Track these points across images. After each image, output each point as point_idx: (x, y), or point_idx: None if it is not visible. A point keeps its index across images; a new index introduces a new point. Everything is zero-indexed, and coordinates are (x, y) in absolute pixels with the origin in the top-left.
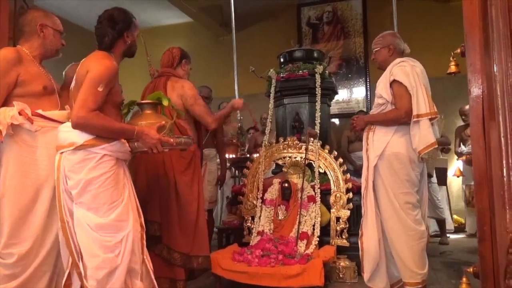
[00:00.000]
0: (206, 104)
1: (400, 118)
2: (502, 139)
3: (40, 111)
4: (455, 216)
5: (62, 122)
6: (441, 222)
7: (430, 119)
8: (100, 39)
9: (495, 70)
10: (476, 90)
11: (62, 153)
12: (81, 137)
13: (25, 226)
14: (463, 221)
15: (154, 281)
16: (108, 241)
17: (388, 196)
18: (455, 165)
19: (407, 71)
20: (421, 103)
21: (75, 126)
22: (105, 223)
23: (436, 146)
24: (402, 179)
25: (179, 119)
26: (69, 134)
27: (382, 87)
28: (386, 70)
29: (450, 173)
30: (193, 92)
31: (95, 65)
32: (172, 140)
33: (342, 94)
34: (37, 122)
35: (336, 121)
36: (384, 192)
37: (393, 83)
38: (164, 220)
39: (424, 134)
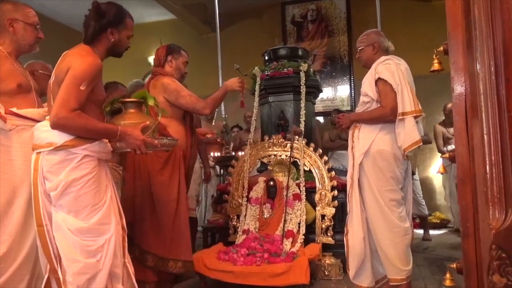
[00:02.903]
0: (192, 93)
1: (386, 116)
2: (485, 136)
3: (14, 109)
4: (437, 213)
5: (38, 121)
6: (423, 219)
7: (415, 117)
8: (84, 30)
9: (477, 68)
10: (459, 88)
11: (39, 153)
12: (60, 137)
13: (2, 229)
14: (445, 217)
15: (135, 285)
16: (90, 246)
17: (373, 193)
18: (437, 162)
19: (392, 69)
20: (406, 101)
21: (55, 126)
22: (86, 227)
23: (421, 143)
24: (387, 177)
25: (163, 118)
26: (47, 133)
27: (368, 85)
28: (371, 68)
29: (434, 170)
30: (174, 86)
31: (78, 62)
32: (156, 141)
33: (326, 92)
34: (11, 120)
35: (320, 119)
36: (369, 189)
37: (378, 81)
38: (137, 221)
39: (409, 132)
